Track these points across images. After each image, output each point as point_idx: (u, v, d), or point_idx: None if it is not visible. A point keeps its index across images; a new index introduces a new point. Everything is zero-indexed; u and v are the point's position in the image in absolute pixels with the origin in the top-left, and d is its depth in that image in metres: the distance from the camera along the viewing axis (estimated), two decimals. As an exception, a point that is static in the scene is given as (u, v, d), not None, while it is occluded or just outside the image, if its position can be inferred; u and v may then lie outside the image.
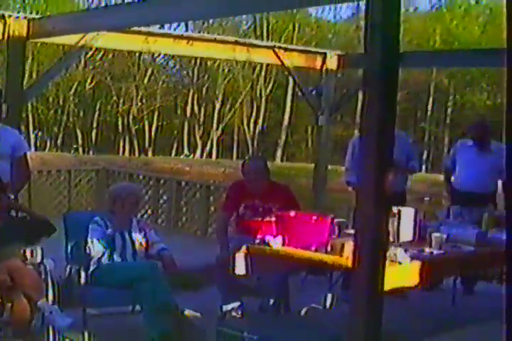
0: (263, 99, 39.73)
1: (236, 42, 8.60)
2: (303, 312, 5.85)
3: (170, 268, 5.43)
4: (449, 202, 7.35)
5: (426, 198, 6.44)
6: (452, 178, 7.54)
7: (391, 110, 3.81)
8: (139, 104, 39.22)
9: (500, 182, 7.26)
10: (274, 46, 8.85)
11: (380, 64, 3.72)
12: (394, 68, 3.82)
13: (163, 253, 5.53)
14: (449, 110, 38.70)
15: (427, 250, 5.28)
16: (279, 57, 8.58)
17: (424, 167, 33.71)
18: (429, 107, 38.72)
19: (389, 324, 4.19)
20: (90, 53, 33.45)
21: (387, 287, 4.13)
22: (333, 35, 41.02)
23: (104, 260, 5.33)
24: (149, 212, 10.70)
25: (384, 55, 3.72)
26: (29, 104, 31.02)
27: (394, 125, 3.86)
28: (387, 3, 3.78)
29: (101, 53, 35.93)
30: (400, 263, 4.85)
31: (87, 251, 5.29)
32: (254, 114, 40.00)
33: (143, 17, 6.38)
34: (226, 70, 38.91)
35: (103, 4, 34.47)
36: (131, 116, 39.22)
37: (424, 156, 36.69)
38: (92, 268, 5.26)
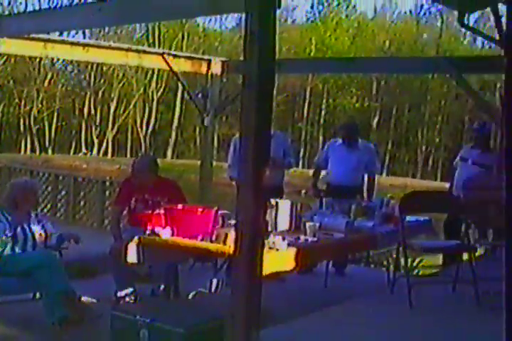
0: (155, 102, 39.68)
1: (129, 49, 8.48)
2: (190, 296, 5.84)
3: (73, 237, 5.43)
4: (315, 194, 7.50)
5: (303, 191, 6.54)
6: (324, 173, 7.68)
7: (267, 112, 3.84)
8: (40, 105, 38.48)
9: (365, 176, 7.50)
10: (163, 53, 8.78)
11: (257, 69, 3.74)
12: (270, 73, 3.84)
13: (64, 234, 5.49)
14: (323, 112, 39.43)
15: (302, 237, 5.35)
16: (168, 63, 8.52)
17: (301, 163, 34.28)
18: (306, 109, 39.33)
19: (268, 305, 4.24)
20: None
21: (266, 271, 4.17)
22: (219, 43, 41.16)
23: (6, 252, 5.18)
24: (48, 206, 10.47)
25: (260, 62, 3.73)
26: None
27: (270, 125, 3.89)
28: (264, 15, 3.79)
29: (3, 58, 35.05)
30: (277, 249, 4.91)
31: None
32: (146, 115, 39.86)
33: (42, 25, 6.23)
34: (121, 75, 38.59)
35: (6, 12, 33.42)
36: (32, 117, 38.43)
37: (301, 153, 37.27)
38: (-5, 260, 5.12)
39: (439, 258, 8.09)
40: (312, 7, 43.37)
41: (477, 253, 6.84)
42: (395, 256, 6.33)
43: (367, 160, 7.46)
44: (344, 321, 4.98)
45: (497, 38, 8.64)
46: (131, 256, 5.33)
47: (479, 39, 36.89)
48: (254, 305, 3.95)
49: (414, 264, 8.75)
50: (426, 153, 38.17)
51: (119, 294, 5.82)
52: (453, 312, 5.29)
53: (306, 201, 7.64)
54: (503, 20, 8.48)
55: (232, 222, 5.21)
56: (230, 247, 4.65)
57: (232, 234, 4.57)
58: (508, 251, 3.08)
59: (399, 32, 40.74)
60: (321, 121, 39.38)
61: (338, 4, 41.44)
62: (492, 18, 8.82)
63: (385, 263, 7.79)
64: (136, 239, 5.32)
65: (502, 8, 8.68)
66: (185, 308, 5.27)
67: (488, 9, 8.45)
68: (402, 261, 5.76)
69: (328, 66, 10.57)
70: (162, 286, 5.90)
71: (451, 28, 37.93)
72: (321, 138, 37.51)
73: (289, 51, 36.87)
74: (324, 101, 39.37)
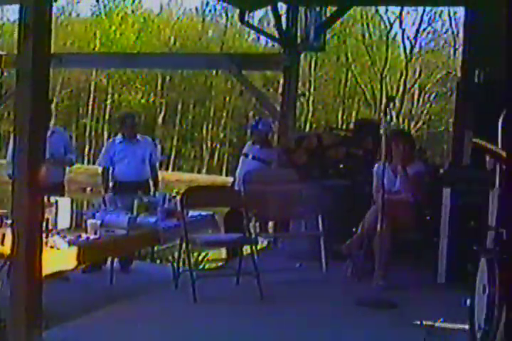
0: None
1: None
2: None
3: None
4: (105, 192, 7.43)
5: (88, 188, 6.46)
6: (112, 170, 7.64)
7: (42, 107, 3.75)
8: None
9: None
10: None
11: (31, 64, 3.63)
12: (45, 68, 3.75)
13: None
14: (108, 107, 38.91)
15: (84, 235, 5.27)
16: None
17: (86, 159, 33.63)
18: (90, 105, 38.62)
19: (51, 305, 4.14)
20: None
21: (46, 271, 4.07)
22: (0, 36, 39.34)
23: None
24: None
25: (35, 56, 3.63)
26: None
27: (46, 121, 3.80)
28: (39, 8, 3.70)
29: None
30: (58, 248, 4.80)
31: None
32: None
33: None
34: None
35: None
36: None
37: (86, 150, 36.56)
38: None
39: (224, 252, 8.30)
40: (98, 1, 42.64)
41: (259, 246, 7.08)
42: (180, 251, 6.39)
43: (148, 153, 7.54)
44: (128, 318, 4.95)
45: (277, 36, 9.00)
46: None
47: (263, 37, 38.03)
48: (35, 306, 3.86)
49: (200, 258, 8.91)
50: (211, 148, 38.81)
51: None
52: (236, 303, 5.43)
53: (92, 198, 7.52)
54: (283, 19, 8.85)
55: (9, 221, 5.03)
56: (7, 248, 4.48)
57: (9, 234, 4.41)
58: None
59: (184, 28, 41.04)
60: (106, 116, 38.85)
61: (124, -1, 41.02)
62: (272, 18, 9.16)
63: (170, 258, 7.85)
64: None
65: (281, 8, 9.05)
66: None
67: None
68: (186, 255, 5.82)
69: (112, 61, 10.51)
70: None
71: (236, 26, 38.81)
72: (106, 134, 36.99)
73: (73, 45, 35.99)
74: (109, 96, 38.84)
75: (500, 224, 4.10)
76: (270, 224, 8.11)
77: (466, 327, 4.19)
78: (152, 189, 7.58)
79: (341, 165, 7.47)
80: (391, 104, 5.51)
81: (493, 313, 3.72)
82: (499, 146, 4.15)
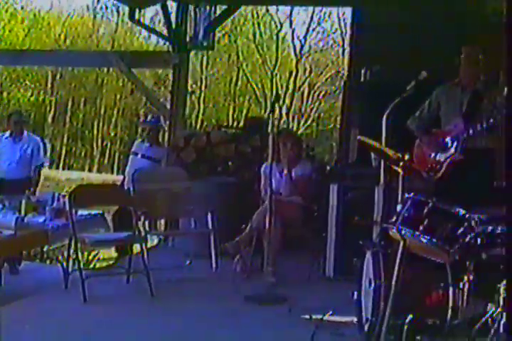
0: None
1: None
2: None
3: None
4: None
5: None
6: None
7: None
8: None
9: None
10: None
11: None
12: None
13: None
14: (-4, 105, 37.71)
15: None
16: None
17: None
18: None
19: None
20: None
21: None
22: None
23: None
24: None
25: None
26: None
27: None
28: None
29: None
30: None
31: None
32: None
33: None
34: None
35: None
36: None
37: None
38: None
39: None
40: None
41: (149, 244, 7.02)
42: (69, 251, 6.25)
43: (31, 151, 7.39)
44: (16, 319, 4.80)
45: (166, 34, 8.94)
46: None
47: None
48: None
49: (91, 258, 8.75)
50: (102, 146, 38.19)
51: None
52: (126, 302, 5.37)
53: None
54: (173, 17, 8.78)
55: None
56: None
57: None
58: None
59: (75, 25, 40.22)
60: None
61: (11, -5, 39.81)
62: (162, 16, 9.08)
63: (60, 258, 7.67)
64: None
65: (172, 6, 8.98)
66: None
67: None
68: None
69: (1, 58, 10.19)
70: None
71: (128, 24, 38.30)
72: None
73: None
74: (-3, 94, 37.65)
75: (383, 218, 4.20)
76: (162, 222, 8.05)
77: (355, 319, 4.28)
78: (34, 188, 7.42)
79: (230, 163, 7.50)
80: (277, 103, 5.55)
81: (379, 305, 3.80)
82: (383, 144, 4.25)
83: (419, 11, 7.34)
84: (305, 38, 22.37)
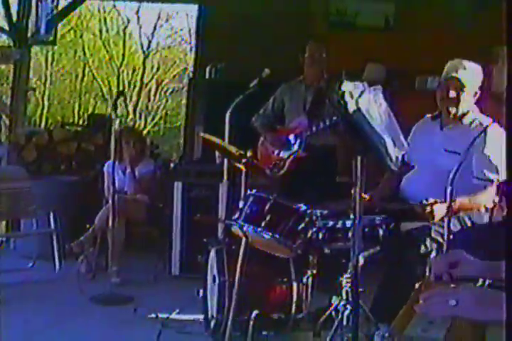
0: None
1: None
2: None
3: None
4: None
5: None
6: None
7: None
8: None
9: None
10: None
11: None
12: None
13: None
14: None
15: None
16: None
17: None
18: None
19: None
20: None
21: None
22: None
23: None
24: None
25: None
26: None
27: None
28: None
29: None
30: None
31: None
32: None
33: None
34: None
35: None
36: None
37: None
38: None
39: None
40: None
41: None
42: None
43: None
44: None
45: (6, 28, 8.57)
46: None
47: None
48: None
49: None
50: None
51: None
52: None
53: None
54: (13, 10, 8.42)
55: None
56: None
57: None
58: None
59: None
60: None
61: None
62: (2, 9, 8.69)
63: None
64: None
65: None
66: None
67: None
68: None
69: None
70: None
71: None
72: None
73: None
74: None
75: (227, 215, 4.21)
76: (3, 223, 7.72)
77: (201, 317, 4.27)
78: None
79: (73, 161, 7.31)
80: (120, 100, 5.43)
81: (224, 302, 3.81)
82: (226, 141, 4.26)
83: (263, 10, 7.42)
84: (153, 34, 22.16)
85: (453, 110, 4.09)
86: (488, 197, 3.84)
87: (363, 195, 3.48)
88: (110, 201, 5.54)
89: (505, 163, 1.77)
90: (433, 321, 1.88)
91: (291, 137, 5.34)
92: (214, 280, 4.00)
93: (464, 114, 4.12)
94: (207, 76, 7.42)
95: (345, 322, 3.45)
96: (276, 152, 5.39)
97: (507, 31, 1.17)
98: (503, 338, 1.68)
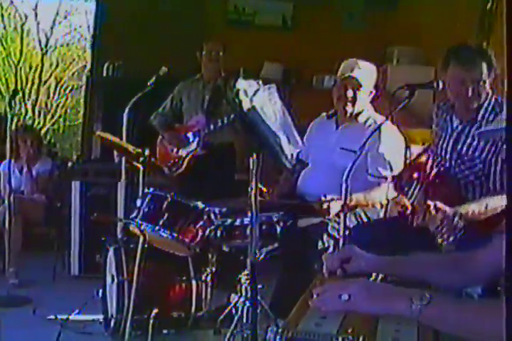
0: None
1: None
2: None
3: None
4: None
5: None
6: None
7: None
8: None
9: None
10: None
11: None
12: None
13: None
14: None
15: None
16: None
17: None
18: None
19: None
20: None
21: None
22: None
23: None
24: None
25: None
26: None
27: None
28: None
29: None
30: None
31: None
32: None
33: None
34: None
35: None
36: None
37: None
38: None
39: None
40: None
41: None
42: None
43: None
44: None
45: None
46: None
47: None
48: None
49: None
50: None
51: None
52: None
53: None
54: None
55: None
56: None
57: None
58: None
59: None
60: None
61: None
62: None
63: None
64: None
65: None
66: None
67: None
68: None
69: None
70: None
71: None
72: None
73: None
74: None
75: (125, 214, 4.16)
76: None
77: (101, 317, 4.20)
78: None
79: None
80: (15, 98, 5.28)
81: (124, 302, 3.76)
82: (124, 139, 4.20)
83: (162, 7, 7.37)
84: (51, 31, 21.65)
85: (349, 109, 4.15)
86: (382, 194, 3.91)
87: (264, 189, 3.52)
88: (6, 201, 5.41)
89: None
90: (326, 316, 1.90)
91: (190, 135, 5.32)
92: (113, 280, 3.95)
93: (359, 113, 4.19)
94: (105, 74, 7.32)
95: (244, 319, 3.46)
96: (174, 150, 5.36)
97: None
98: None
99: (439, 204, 3.09)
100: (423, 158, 3.62)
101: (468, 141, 3.41)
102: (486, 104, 3.35)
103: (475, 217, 3.15)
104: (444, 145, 3.53)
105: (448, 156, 3.49)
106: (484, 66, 3.24)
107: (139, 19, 7.40)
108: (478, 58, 3.26)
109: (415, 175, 3.40)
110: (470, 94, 3.30)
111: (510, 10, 1.14)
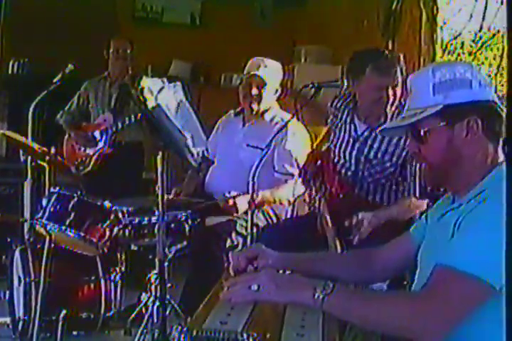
0: None
1: None
2: None
3: None
4: None
5: None
6: None
7: None
8: None
9: None
10: None
11: None
12: None
13: None
14: None
15: None
16: None
17: None
18: None
19: None
20: None
21: None
22: None
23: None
24: None
25: None
26: None
27: None
28: None
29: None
30: None
31: None
32: None
33: None
34: None
35: None
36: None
37: None
38: None
39: None
40: None
41: None
42: None
43: None
44: None
45: None
46: None
47: None
48: None
49: None
50: None
51: None
52: None
53: None
54: None
55: None
56: None
57: None
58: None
59: None
60: None
61: None
62: None
63: None
64: None
65: None
66: None
67: None
68: None
69: None
70: None
71: None
72: None
73: None
74: None
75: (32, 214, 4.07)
76: None
77: (8, 319, 4.10)
78: None
79: None
80: None
81: (31, 303, 3.67)
82: (29, 138, 4.11)
83: (69, 4, 7.22)
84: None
85: (255, 106, 4.17)
86: (289, 191, 3.94)
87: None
88: None
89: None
90: (233, 308, 1.92)
91: (97, 134, 5.23)
92: (19, 281, 3.85)
93: (265, 111, 4.21)
94: (10, 71, 7.13)
95: (155, 319, 3.43)
96: (81, 149, 5.26)
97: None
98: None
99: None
100: (324, 148, 3.68)
101: (376, 145, 3.45)
102: (393, 108, 3.40)
103: (386, 219, 3.20)
104: (349, 148, 3.55)
105: (353, 161, 3.51)
106: (398, 72, 3.29)
107: (47, 15, 7.23)
108: (393, 65, 3.30)
109: (318, 163, 3.45)
110: (384, 100, 3.35)
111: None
